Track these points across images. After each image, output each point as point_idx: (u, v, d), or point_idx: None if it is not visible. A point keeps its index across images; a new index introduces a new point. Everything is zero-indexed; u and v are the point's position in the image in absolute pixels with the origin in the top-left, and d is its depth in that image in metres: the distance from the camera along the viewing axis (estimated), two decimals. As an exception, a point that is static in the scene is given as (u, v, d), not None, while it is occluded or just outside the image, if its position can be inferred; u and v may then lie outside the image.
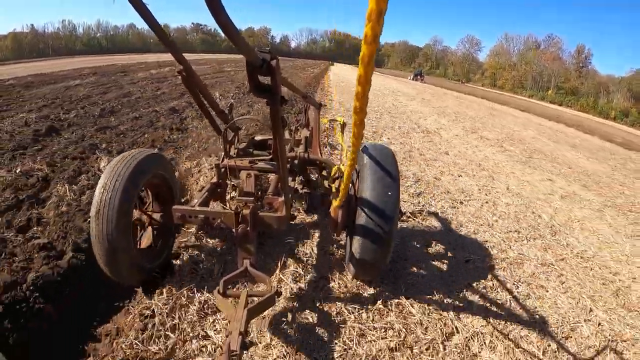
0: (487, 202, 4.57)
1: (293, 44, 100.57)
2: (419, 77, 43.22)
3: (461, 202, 4.41)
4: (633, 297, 3.17)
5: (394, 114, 11.47)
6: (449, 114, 13.90)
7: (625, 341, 2.60)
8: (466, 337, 2.29)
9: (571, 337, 2.51)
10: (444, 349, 2.18)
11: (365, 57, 0.93)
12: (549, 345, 2.37)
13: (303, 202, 3.36)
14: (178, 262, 2.65)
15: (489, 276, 3.02)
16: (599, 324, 2.70)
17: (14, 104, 8.43)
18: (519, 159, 7.64)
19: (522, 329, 2.46)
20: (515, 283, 2.94)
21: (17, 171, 4.15)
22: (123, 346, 1.94)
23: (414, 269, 2.92)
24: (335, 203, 2.29)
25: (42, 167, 4.27)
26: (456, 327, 2.34)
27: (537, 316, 2.61)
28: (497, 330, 2.41)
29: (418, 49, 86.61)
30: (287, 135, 3.98)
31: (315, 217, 3.45)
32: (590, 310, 2.85)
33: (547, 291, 2.92)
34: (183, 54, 2.14)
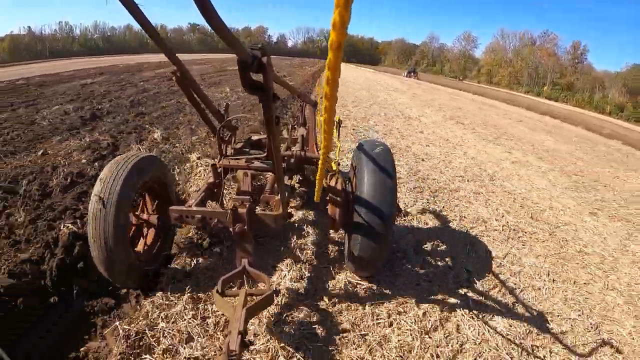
0: (443, 161, 6.03)
1: (290, 43, 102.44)
2: (412, 74, 44.97)
3: (423, 160, 5.86)
4: (543, 215, 4.56)
5: (383, 104, 12.92)
6: (434, 105, 15.42)
7: (525, 232, 3.99)
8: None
9: (481, 225, 3.92)
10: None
11: (334, 43, 0.96)
12: (465, 226, 3.78)
13: (300, 200, 3.49)
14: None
15: (433, 199, 4.43)
16: (507, 222, 4.10)
17: (40, 99, 9.46)
18: (485, 138, 9.09)
19: (446, 218, 3.87)
20: (449, 200, 4.37)
21: (87, 140, 5.55)
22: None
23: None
24: (314, 199, 2.39)
25: (107, 138, 5.67)
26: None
27: (459, 215, 4.03)
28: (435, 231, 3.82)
29: (415, 46, 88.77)
30: (285, 133, 4.12)
31: (313, 214, 3.58)
32: (503, 215, 4.26)
33: (472, 204, 4.35)
34: (177, 55, 2.19)
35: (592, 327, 2.64)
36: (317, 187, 2.23)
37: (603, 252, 3.88)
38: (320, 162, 1.83)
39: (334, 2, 0.83)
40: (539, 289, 3.05)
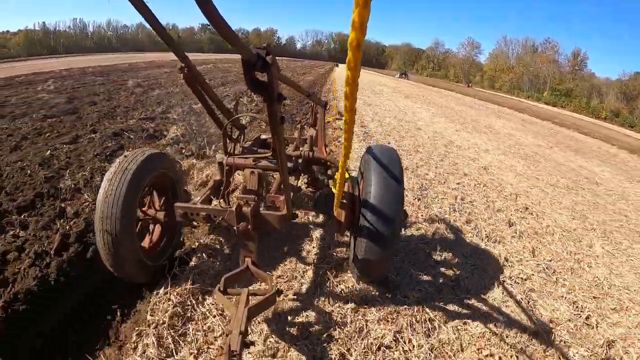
0: (384, 105, 15.27)
1: (299, 45, 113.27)
2: (403, 75, 55.16)
3: (369, 104, 15.11)
4: (406, 117, 13.76)
5: (366, 87, 22.25)
6: (401, 90, 24.90)
7: (390, 111, 13.26)
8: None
9: (383, 117, 13.22)
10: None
11: (353, 42, 1.02)
12: (378, 115, 13.08)
13: (307, 201, 3.81)
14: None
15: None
16: (389, 110, 13.35)
17: (155, 78, 16.72)
18: (415, 102, 18.38)
19: (372, 113, 13.20)
20: (376, 115, 13.68)
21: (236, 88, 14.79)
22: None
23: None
24: (333, 208, 2.57)
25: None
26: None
27: (377, 116, 13.32)
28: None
29: (421, 51, 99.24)
30: (295, 134, 4.45)
31: (319, 216, 3.89)
32: (390, 112, 13.54)
33: (383, 113, 13.68)
34: (185, 53, 2.33)
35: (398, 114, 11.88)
36: (336, 195, 2.38)
37: (421, 120, 13.03)
38: (340, 165, 1.95)
39: (353, 1, 0.89)
40: (388, 119, 12.26)
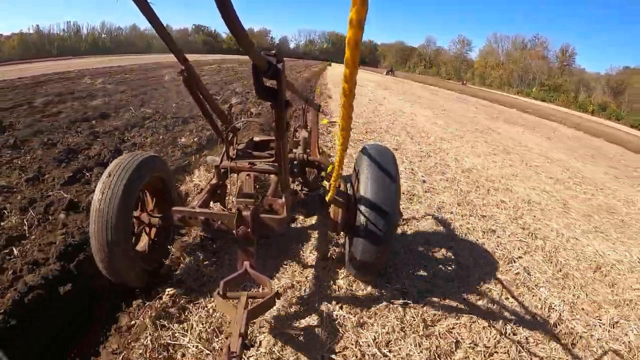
0: (362, 93, 20.38)
1: (292, 45, 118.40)
2: (390, 72, 60.65)
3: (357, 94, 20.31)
4: (376, 98, 18.94)
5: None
6: (383, 84, 30.12)
7: (364, 96, 18.39)
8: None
9: (362, 105, 18.35)
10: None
11: (351, 40, 1.09)
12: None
13: (302, 204, 4.01)
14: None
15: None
16: (369, 95, 18.50)
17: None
18: (390, 92, 23.60)
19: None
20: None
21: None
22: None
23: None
24: (326, 198, 2.70)
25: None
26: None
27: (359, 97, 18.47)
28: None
29: (413, 49, 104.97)
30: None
31: (315, 217, 4.09)
32: (368, 99, 18.69)
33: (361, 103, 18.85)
34: (185, 55, 2.45)
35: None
36: (332, 185, 2.48)
37: (387, 102, 18.06)
38: (337, 158, 2.03)
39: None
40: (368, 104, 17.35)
